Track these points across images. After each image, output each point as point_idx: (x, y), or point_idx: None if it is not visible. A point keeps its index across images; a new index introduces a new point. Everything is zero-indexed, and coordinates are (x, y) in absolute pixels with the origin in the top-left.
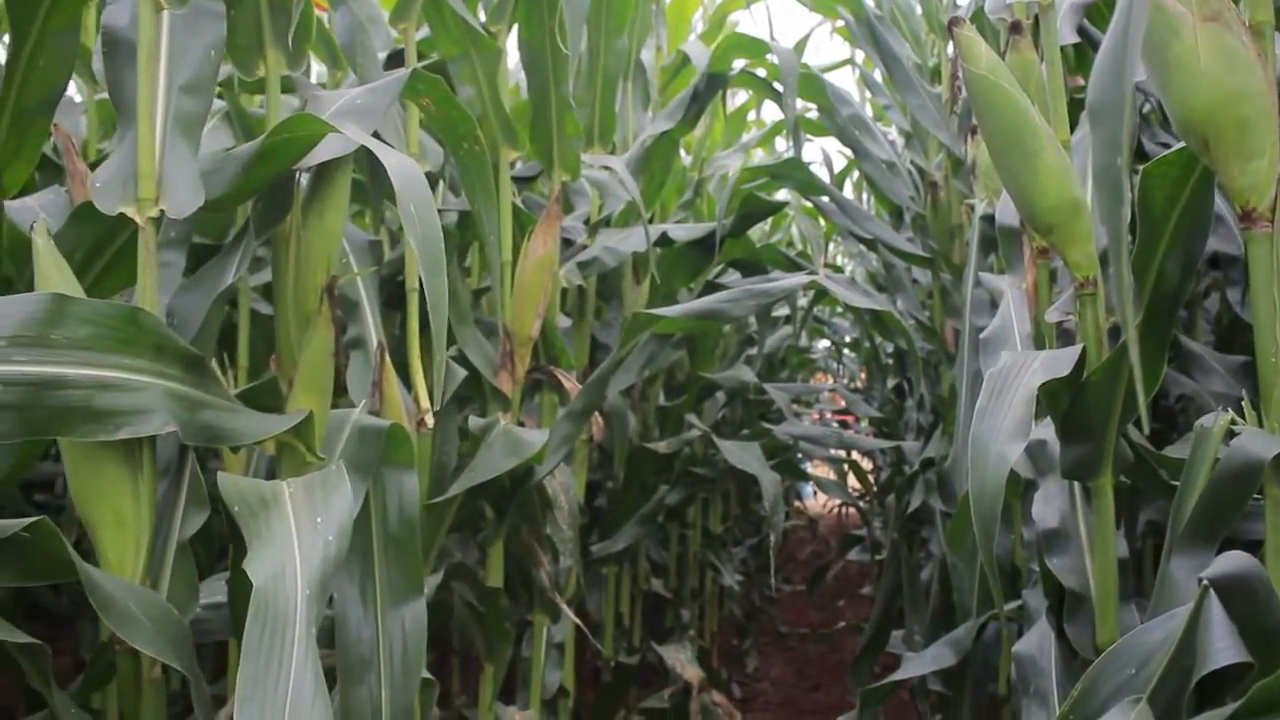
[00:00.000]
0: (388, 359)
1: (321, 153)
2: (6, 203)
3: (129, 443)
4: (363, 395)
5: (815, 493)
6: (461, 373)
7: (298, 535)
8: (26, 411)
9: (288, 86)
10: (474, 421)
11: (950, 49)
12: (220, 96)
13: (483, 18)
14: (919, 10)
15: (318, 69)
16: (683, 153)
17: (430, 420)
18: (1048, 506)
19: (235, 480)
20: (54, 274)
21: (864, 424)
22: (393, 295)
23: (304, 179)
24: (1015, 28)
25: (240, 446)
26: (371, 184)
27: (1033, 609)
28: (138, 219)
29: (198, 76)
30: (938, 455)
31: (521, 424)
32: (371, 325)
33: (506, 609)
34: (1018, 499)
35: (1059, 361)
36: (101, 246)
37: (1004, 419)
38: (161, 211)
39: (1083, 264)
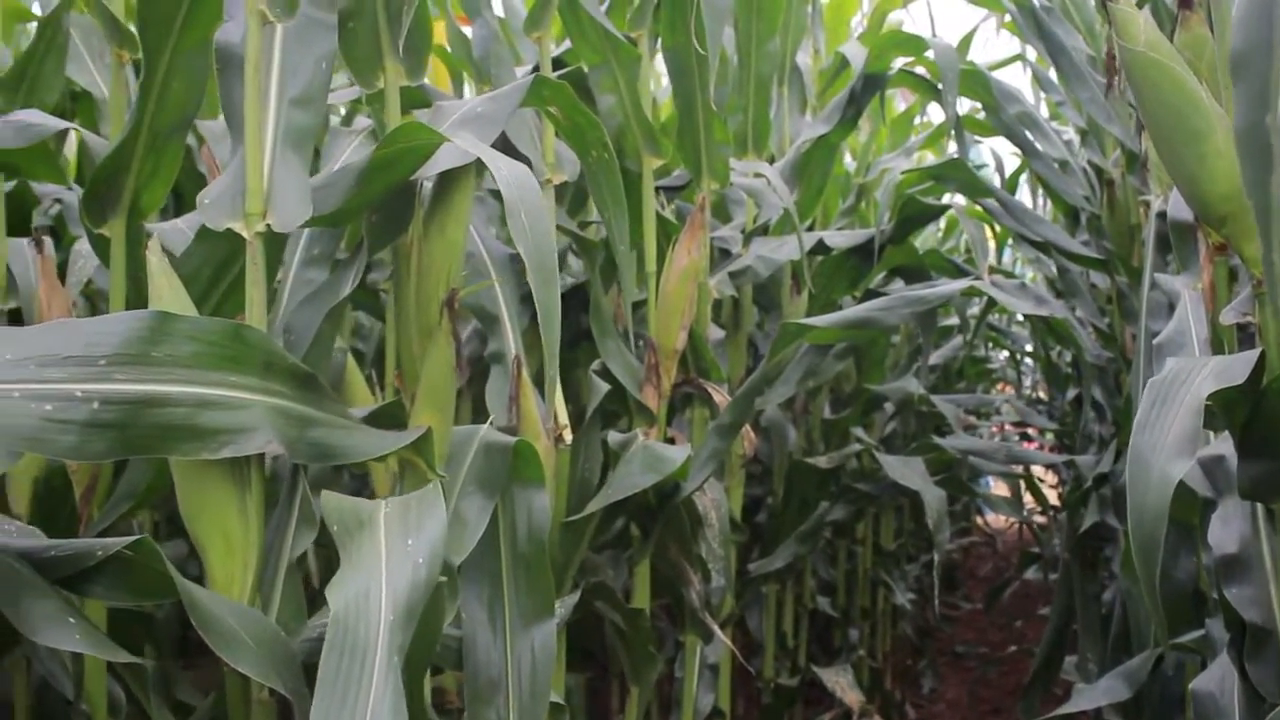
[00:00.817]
0: (525, 373)
1: (441, 162)
2: (157, 225)
3: (236, 461)
4: (501, 410)
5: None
6: (604, 387)
7: (386, 558)
8: (127, 430)
9: (422, 100)
10: (613, 437)
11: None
12: (364, 113)
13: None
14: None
15: (470, 89)
16: (848, 159)
17: (569, 436)
18: (1226, 530)
19: (337, 499)
20: (166, 292)
21: (1047, 436)
22: None
23: (428, 189)
24: (1186, 2)
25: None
26: None
27: (1216, 640)
28: (245, 234)
29: (309, 89)
30: (1113, 469)
31: (670, 439)
32: (511, 339)
33: (650, 631)
34: (1198, 518)
35: (1233, 367)
36: (229, 264)
37: (1167, 432)
38: (268, 226)
39: (1260, 259)
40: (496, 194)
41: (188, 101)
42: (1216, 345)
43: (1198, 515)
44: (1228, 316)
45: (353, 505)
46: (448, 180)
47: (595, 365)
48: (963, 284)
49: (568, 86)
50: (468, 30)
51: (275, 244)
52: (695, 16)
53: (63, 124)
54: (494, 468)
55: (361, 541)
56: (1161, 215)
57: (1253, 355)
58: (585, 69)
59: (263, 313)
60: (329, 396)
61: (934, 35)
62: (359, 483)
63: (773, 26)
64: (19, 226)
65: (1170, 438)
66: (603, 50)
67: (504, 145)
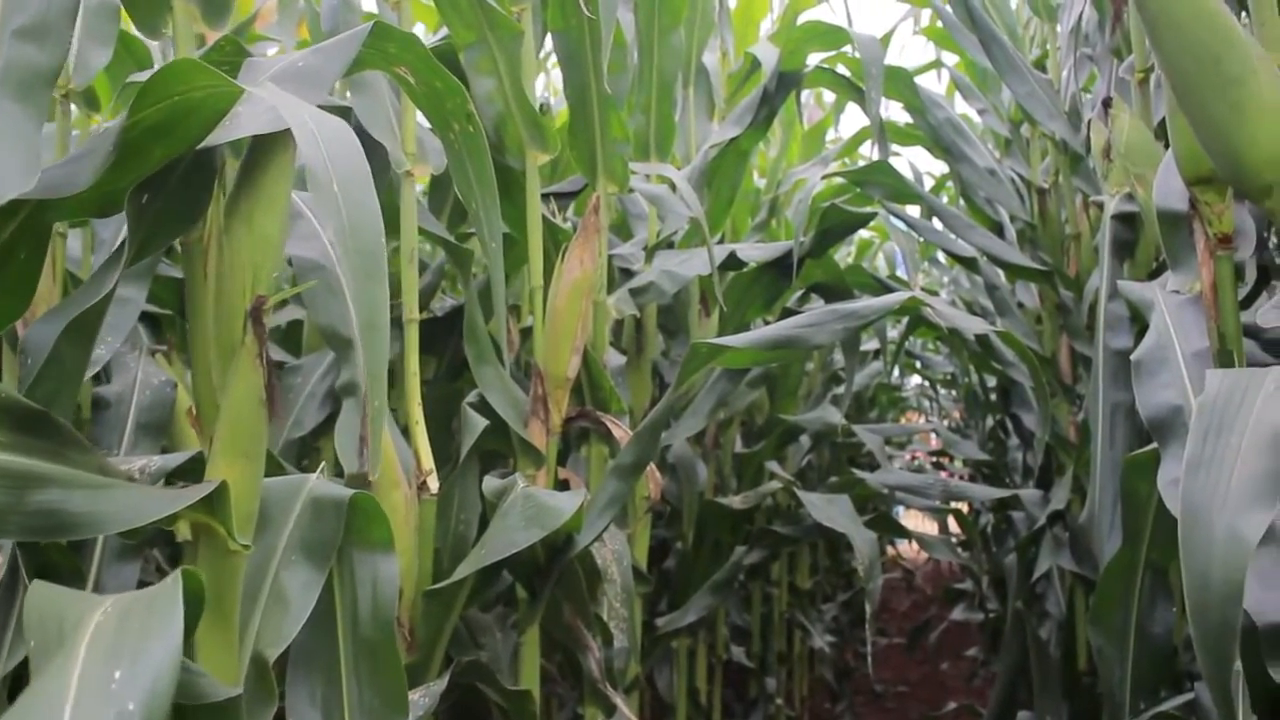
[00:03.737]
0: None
1: (241, 125)
2: None
3: None
4: (351, 454)
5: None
6: (480, 423)
7: (74, 702)
8: None
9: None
10: (488, 483)
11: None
12: None
13: None
14: (1014, 2)
15: None
16: (756, 176)
17: (434, 483)
18: (1270, 592)
19: (46, 594)
20: None
21: (958, 463)
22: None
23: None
24: None
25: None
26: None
27: (1207, 709)
28: None
29: (43, 17)
30: (1065, 506)
31: (562, 483)
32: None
33: (536, 714)
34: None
35: None
36: None
37: (1231, 474)
38: None
39: None
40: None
41: None
42: (1222, 359)
43: (1174, 555)
44: (1268, 317)
45: (59, 606)
46: (258, 154)
47: (471, 397)
48: (900, 297)
49: (419, 40)
50: None
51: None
52: None
53: None
54: (325, 529)
55: (52, 670)
56: (1120, 217)
57: None
58: (459, 51)
59: None
60: (72, 443)
61: (852, 27)
62: None
63: (676, 18)
64: None
65: (1236, 482)
66: (477, 25)
67: (356, 129)
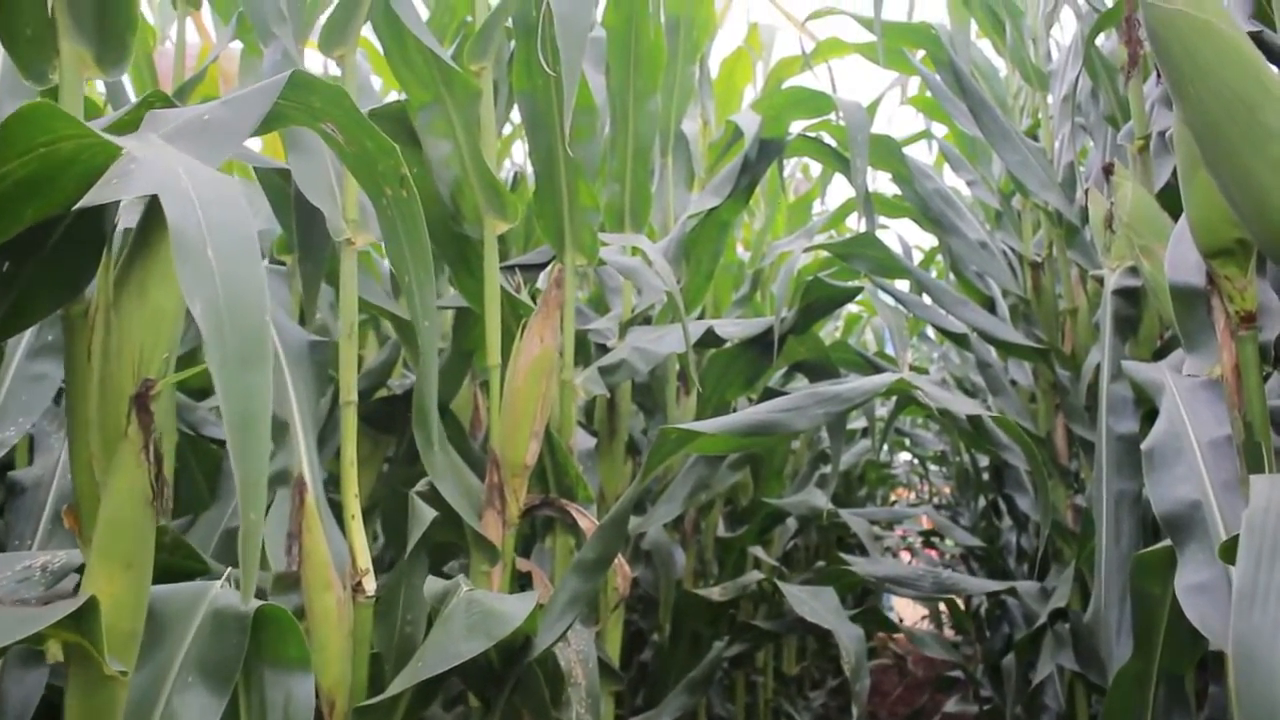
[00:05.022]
0: (310, 500)
1: (127, 184)
2: None
3: None
4: (279, 550)
5: (900, 619)
6: (429, 514)
7: None
8: None
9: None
10: (430, 586)
11: (1054, 95)
12: None
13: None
14: (1003, 72)
15: None
16: (740, 249)
17: (371, 584)
18: None
19: None
20: None
21: (950, 541)
22: (371, 414)
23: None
24: None
25: None
26: (303, 249)
27: None
28: None
29: None
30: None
31: (521, 579)
32: (303, 454)
33: None
34: (1191, 665)
35: None
36: None
37: None
38: None
39: None
40: (315, 255)
41: None
42: (1251, 450)
43: (1191, 663)
44: None
45: None
46: (154, 217)
47: (420, 485)
48: (888, 379)
49: (346, 95)
50: None
51: None
52: (550, 49)
53: None
54: (228, 646)
55: None
56: (1121, 292)
57: None
58: (413, 111)
59: None
60: None
61: (836, 94)
62: None
63: (653, 83)
64: None
65: None
66: (433, 83)
67: (294, 194)
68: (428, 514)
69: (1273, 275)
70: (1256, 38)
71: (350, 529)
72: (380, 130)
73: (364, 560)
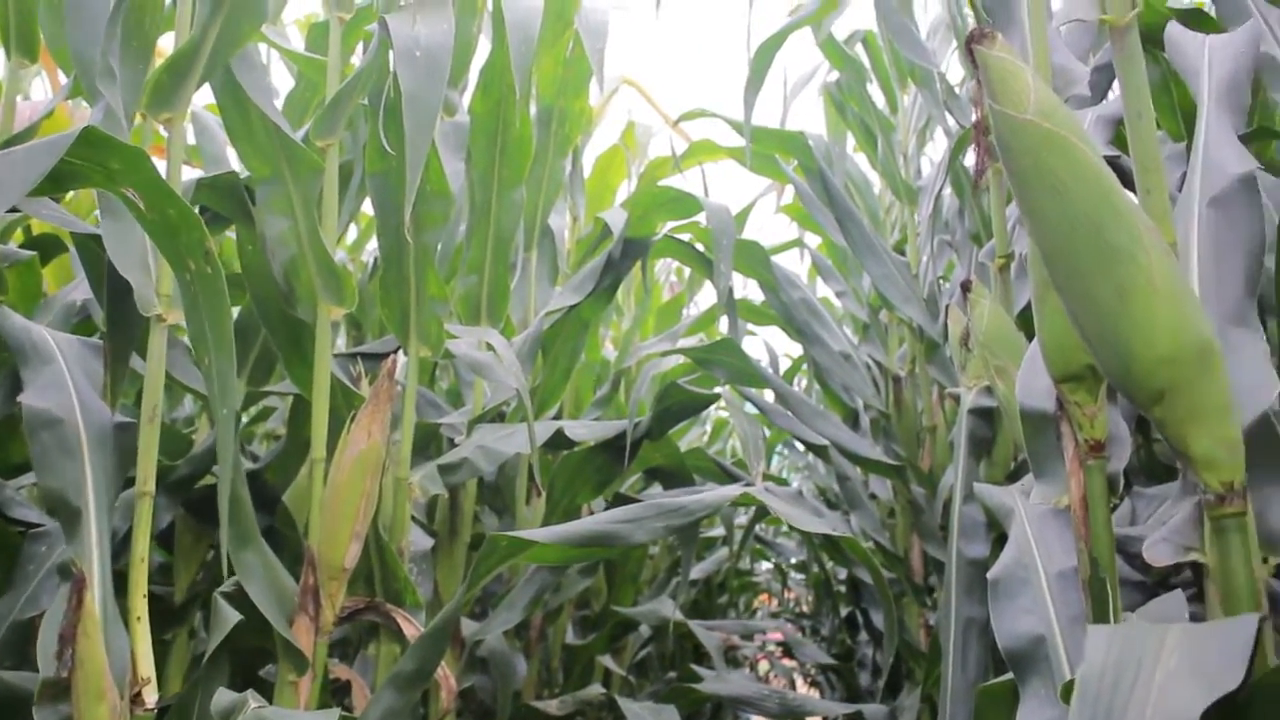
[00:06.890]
0: (90, 600)
1: None
2: None
3: None
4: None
5: None
6: (234, 616)
7: None
8: None
9: None
10: (217, 700)
11: (921, 211)
12: None
13: None
14: (877, 187)
15: None
16: (609, 348)
17: (151, 696)
18: None
19: None
20: None
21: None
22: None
23: None
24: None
25: None
26: (112, 322)
27: None
28: None
29: None
30: None
31: (338, 687)
32: (94, 548)
33: None
34: None
35: (1218, 658)
36: None
37: None
38: None
39: (1219, 459)
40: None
41: None
42: (1095, 587)
43: None
44: (1160, 553)
45: None
46: None
47: (226, 585)
48: (734, 491)
49: (148, 158)
50: None
51: None
52: (394, 128)
53: None
54: None
55: None
56: (977, 411)
57: (1247, 629)
58: (254, 185)
59: None
60: None
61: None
62: None
63: (519, 173)
64: None
65: None
66: (273, 158)
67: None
68: (232, 617)
69: (1123, 403)
70: (1113, 163)
71: (134, 632)
72: (185, 200)
73: (146, 668)
